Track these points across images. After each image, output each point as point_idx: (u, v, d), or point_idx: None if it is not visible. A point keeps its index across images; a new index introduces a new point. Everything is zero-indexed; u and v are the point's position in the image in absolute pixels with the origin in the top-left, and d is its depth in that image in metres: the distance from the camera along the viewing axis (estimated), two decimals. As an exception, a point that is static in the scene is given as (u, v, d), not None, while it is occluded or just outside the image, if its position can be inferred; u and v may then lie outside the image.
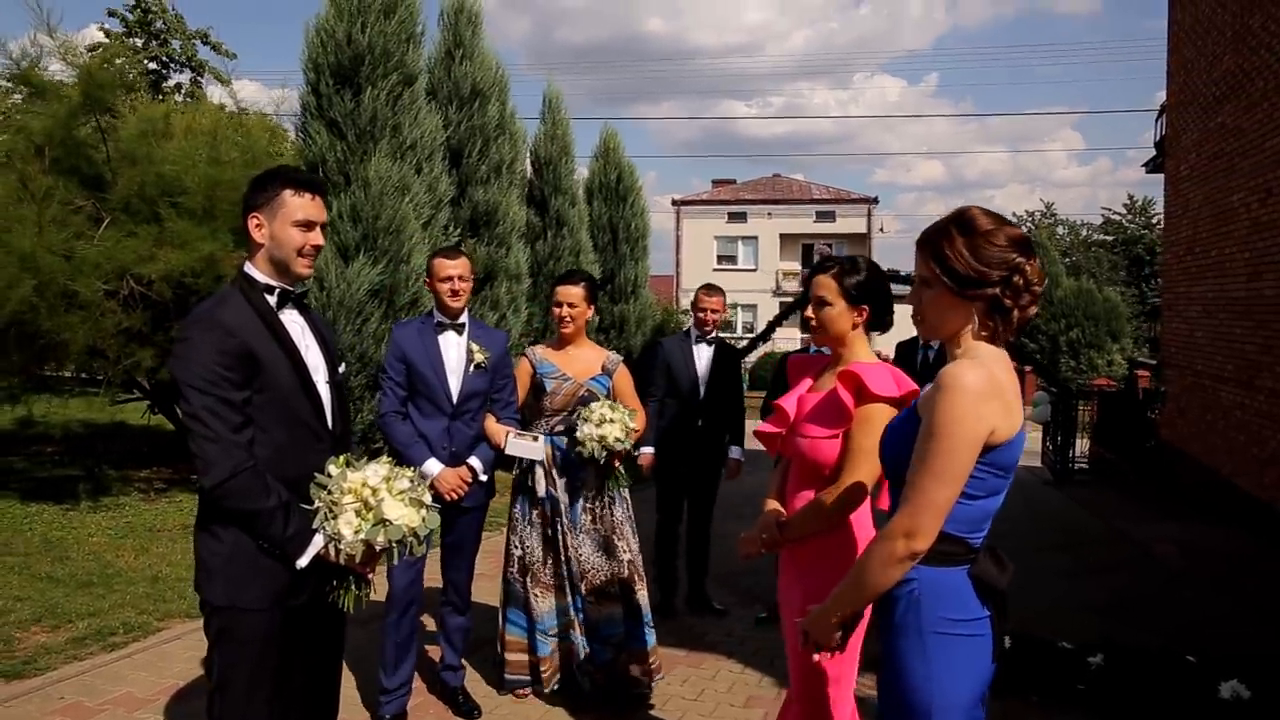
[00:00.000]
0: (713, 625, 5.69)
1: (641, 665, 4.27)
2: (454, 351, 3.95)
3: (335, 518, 2.31)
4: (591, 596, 4.23)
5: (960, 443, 1.82)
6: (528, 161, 10.91)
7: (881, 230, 43.01)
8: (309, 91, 7.56)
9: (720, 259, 43.53)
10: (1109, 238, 42.38)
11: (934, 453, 1.84)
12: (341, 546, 2.32)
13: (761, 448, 5.68)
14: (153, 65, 25.51)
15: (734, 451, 5.91)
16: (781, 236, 43.37)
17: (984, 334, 1.95)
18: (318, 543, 2.37)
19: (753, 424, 6.37)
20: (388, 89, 7.56)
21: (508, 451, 4.05)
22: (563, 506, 4.22)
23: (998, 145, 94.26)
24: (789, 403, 2.76)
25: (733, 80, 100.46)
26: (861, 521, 2.68)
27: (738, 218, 43.89)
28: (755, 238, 43.60)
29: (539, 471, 4.20)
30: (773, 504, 2.80)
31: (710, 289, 5.82)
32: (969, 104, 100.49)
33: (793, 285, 41.31)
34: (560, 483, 4.23)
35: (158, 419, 10.52)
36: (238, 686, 2.42)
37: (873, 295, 2.71)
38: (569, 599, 4.21)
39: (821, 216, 43.30)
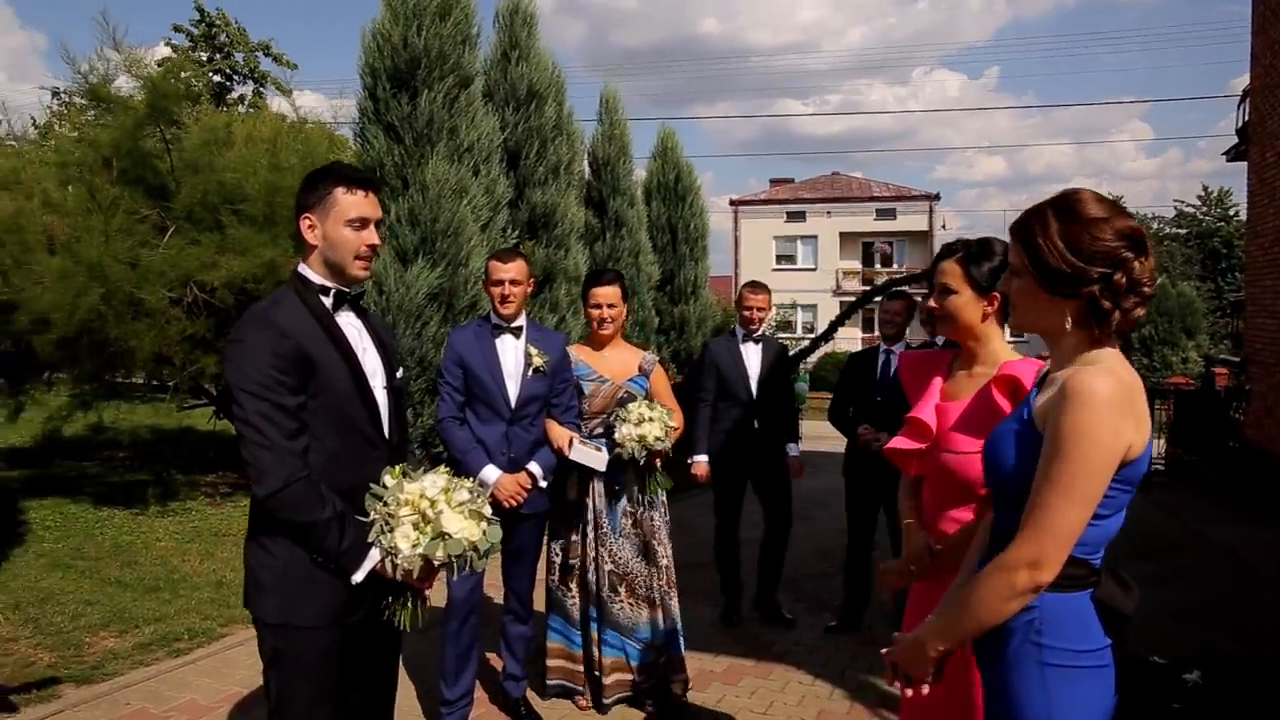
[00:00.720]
0: (780, 634, 5.52)
1: (680, 674, 4.20)
2: (511, 355, 3.86)
3: (391, 531, 2.19)
4: (632, 600, 4.15)
5: (1096, 461, 1.62)
6: (585, 163, 10.82)
7: (944, 227, 42.17)
8: (366, 96, 7.55)
9: (779, 259, 43.11)
10: (1182, 231, 40.95)
11: (1066, 472, 1.62)
12: (398, 561, 2.20)
13: (818, 448, 5.51)
14: (217, 78, 26.14)
15: (793, 450, 5.73)
16: (841, 235, 42.77)
17: (1079, 335, 1.75)
18: (374, 557, 2.26)
19: (811, 425, 6.18)
20: (444, 91, 7.51)
21: (571, 458, 3.94)
22: (593, 512, 4.12)
23: (1062, 138, 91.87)
24: (927, 414, 2.46)
25: (789, 78, 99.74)
26: None
27: (796, 217, 43.38)
28: (814, 237, 43.07)
29: (574, 476, 4.11)
30: (914, 527, 2.51)
31: (755, 286, 5.64)
32: (1031, 97, 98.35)
33: (853, 284, 40.75)
34: (598, 487, 4.13)
35: (223, 424, 10.68)
36: (298, 706, 2.33)
37: None
38: (594, 605, 4.13)
39: (882, 214, 42.59)
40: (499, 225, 8.22)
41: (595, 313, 4.14)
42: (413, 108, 7.44)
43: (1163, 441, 13.83)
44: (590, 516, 4.13)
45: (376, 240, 2.45)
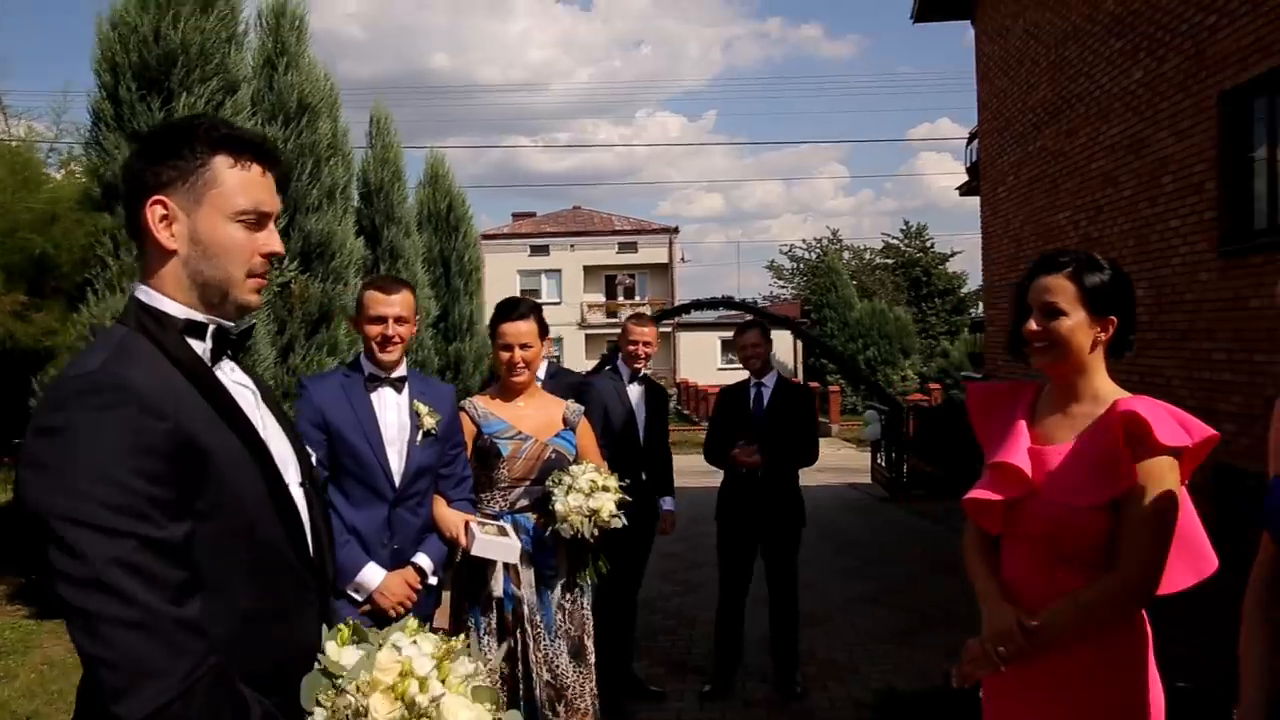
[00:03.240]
0: (649, 709, 4.90)
1: None
2: (393, 415, 2.97)
3: None
4: (564, 711, 3.29)
5: None
6: (354, 189, 9.80)
7: (683, 259, 43.78)
8: (104, 97, 6.15)
9: (524, 293, 42.69)
10: (890, 261, 45.14)
11: None
12: None
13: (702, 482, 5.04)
14: None
15: (666, 503, 5.15)
16: (585, 269, 43.22)
17: None
18: None
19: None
20: (205, 96, 6.29)
21: (474, 552, 3.03)
22: (528, 607, 3.25)
23: (773, 176, 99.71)
24: (1019, 458, 2.04)
25: (520, 116, 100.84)
26: (1143, 622, 2.02)
27: (540, 250, 43.36)
28: (559, 270, 43.18)
29: (498, 564, 3.18)
30: (998, 597, 2.05)
31: (640, 318, 5.05)
32: (745, 139, 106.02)
33: (598, 317, 41.32)
34: (527, 576, 3.25)
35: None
36: None
37: (1121, 304, 2.03)
38: None
39: (624, 248, 43.54)
40: (272, 256, 7.06)
41: (506, 355, 3.28)
42: (167, 113, 6.14)
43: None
44: (523, 614, 3.23)
45: (279, 247, 1.54)
